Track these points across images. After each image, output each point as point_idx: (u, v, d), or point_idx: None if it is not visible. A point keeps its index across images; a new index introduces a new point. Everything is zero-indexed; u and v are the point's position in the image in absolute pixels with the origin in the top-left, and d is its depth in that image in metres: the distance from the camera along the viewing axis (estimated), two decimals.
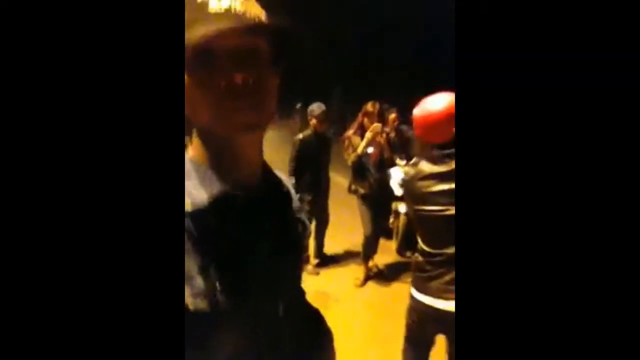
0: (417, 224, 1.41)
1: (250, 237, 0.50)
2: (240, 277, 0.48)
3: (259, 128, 0.48)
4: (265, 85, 0.47)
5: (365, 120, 2.80)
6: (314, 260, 3.24)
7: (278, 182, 0.60)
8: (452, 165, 1.23)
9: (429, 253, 1.32)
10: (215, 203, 0.47)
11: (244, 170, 0.51)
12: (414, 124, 1.34)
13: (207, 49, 0.42)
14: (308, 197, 2.96)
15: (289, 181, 0.64)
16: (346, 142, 2.83)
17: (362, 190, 2.82)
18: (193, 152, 0.50)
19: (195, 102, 0.45)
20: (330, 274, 3.11)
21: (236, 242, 0.48)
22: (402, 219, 3.31)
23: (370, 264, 3.01)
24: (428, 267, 1.32)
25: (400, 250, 3.34)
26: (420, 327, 1.40)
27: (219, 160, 0.50)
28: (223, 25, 0.42)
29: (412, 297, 1.38)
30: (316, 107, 2.96)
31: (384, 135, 2.85)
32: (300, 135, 2.99)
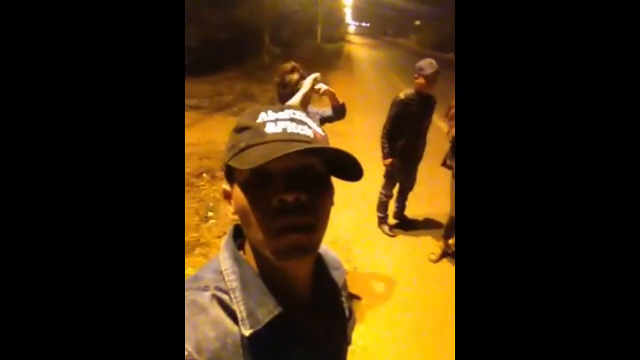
0: None
1: (297, 352, 0.51)
2: None
3: (308, 252, 0.47)
4: (318, 205, 0.46)
5: None
6: (392, 221, 3.22)
7: (331, 288, 0.59)
8: None
9: None
10: (270, 322, 0.47)
11: (293, 290, 0.51)
12: None
13: (262, 171, 0.43)
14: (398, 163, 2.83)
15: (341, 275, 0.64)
16: (452, 112, 2.49)
17: None
18: (254, 263, 0.50)
19: (249, 219, 0.46)
20: (406, 240, 3.08)
21: (285, 357, 0.50)
22: None
23: (451, 241, 2.88)
24: None
25: None
26: None
27: (271, 278, 0.49)
28: (279, 150, 0.42)
29: None
30: (427, 65, 2.61)
31: None
32: (402, 95, 2.73)
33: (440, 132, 3.18)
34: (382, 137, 2.82)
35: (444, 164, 2.71)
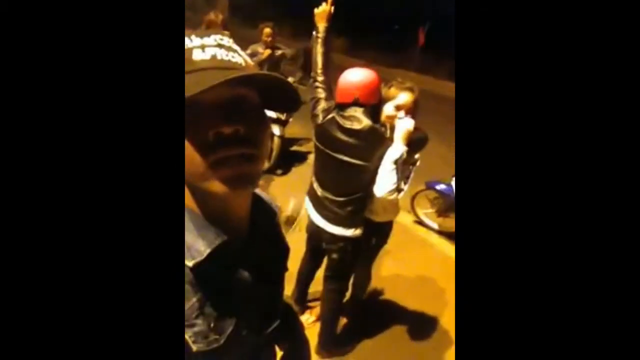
0: (322, 166, 1.57)
1: (240, 279, 0.52)
2: (230, 314, 0.50)
3: (250, 182, 0.46)
4: (256, 136, 0.45)
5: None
6: None
7: (267, 221, 0.60)
8: (361, 124, 1.40)
9: (332, 200, 1.53)
10: (212, 253, 0.47)
11: (233, 222, 0.50)
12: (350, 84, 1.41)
13: (193, 102, 0.40)
14: None
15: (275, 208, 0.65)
16: None
17: None
18: (188, 201, 0.48)
19: (185, 155, 0.42)
20: None
21: (228, 285, 0.50)
22: (275, 140, 3.35)
23: None
24: (331, 206, 1.54)
25: (272, 169, 3.46)
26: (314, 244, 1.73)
27: (209, 212, 0.48)
28: (208, 79, 0.39)
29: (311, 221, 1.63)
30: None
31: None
32: None
33: None
34: None
35: None
